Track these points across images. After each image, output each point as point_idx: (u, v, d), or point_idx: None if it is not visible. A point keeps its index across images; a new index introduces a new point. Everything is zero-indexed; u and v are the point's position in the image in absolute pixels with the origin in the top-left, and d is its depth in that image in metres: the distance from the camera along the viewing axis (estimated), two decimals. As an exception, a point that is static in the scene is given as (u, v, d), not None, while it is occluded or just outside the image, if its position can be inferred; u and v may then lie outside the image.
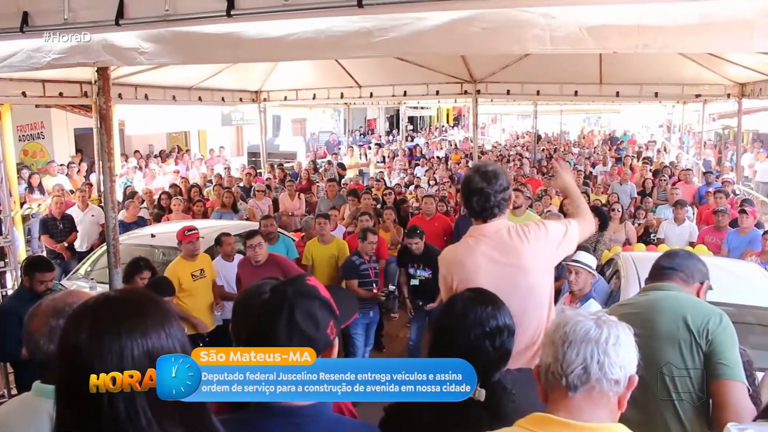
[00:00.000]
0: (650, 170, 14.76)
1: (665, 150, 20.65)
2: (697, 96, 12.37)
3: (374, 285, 6.98)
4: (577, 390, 1.57)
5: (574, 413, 1.58)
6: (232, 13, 3.91)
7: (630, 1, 3.44)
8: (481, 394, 2.02)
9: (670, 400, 2.62)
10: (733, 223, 8.44)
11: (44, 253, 9.38)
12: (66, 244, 9.45)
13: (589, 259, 5.47)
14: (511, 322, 2.20)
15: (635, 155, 21.29)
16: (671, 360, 2.61)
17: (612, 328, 1.61)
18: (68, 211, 9.77)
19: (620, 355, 1.58)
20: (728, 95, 11.79)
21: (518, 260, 3.00)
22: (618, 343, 1.59)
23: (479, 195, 3.02)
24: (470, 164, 15.54)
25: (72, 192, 11.99)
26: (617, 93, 12.13)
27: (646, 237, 9.67)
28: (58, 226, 9.46)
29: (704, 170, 14.34)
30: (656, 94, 12.07)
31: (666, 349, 2.62)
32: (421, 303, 6.91)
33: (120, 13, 4.27)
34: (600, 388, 1.57)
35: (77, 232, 9.63)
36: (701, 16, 3.31)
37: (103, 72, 5.36)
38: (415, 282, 7.02)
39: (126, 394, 1.24)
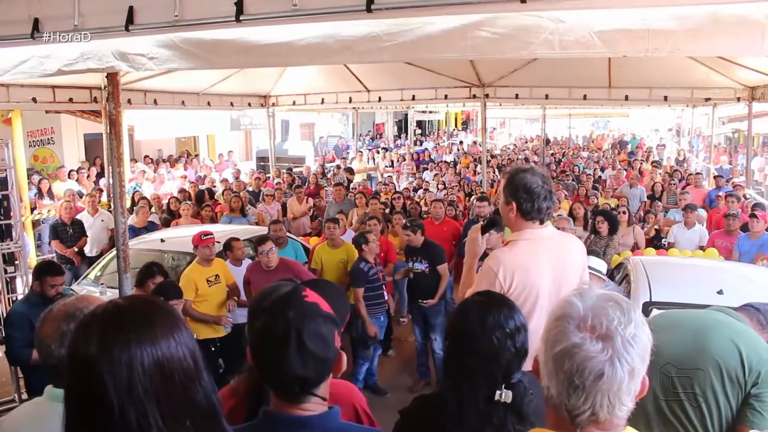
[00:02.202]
0: (660, 174, 14.71)
1: (682, 158, 20.31)
2: (707, 99, 12.32)
3: (383, 287, 6.95)
4: (584, 427, 1.43)
5: None
6: (241, 18, 3.90)
7: (640, 5, 3.42)
8: (508, 396, 2.03)
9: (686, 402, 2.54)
10: (744, 228, 8.40)
11: (54, 258, 9.42)
12: (76, 249, 9.49)
13: (599, 264, 5.45)
14: (525, 321, 2.22)
15: (644, 159, 21.22)
16: (713, 385, 2.45)
17: (627, 356, 1.36)
18: (78, 216, 9.82)
19: (632, 389, 1.40)
20: (738, 99, 11.72)
21: (577, 261, 3.19)
22: (633, 375, 1.38)
23: (543, 195, 3.07)
24: (478, 166, 15.53)
25: (84, 195, 12.07)
26: (626, 97, 12.09)
27: (656, 241, 9.63)
28: (68, 231, 9.50)
29: (716, 175, 14.24)
30: (665, 97, 12.00)
31: (710, 372, 2.46)
32: (419, 300, 6.89)
33: (130, 19, 4.28)
34: (610, 420, 1.43)
35: (87, 237, 9.67)
36: (711, 19, 3.29)
37: (112, 78, 5.38)
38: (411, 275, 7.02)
39: (137, 404, 1.23)
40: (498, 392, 2.03)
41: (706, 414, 2.47)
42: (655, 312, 4.38)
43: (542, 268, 3.05)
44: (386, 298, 6.96)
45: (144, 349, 1.25)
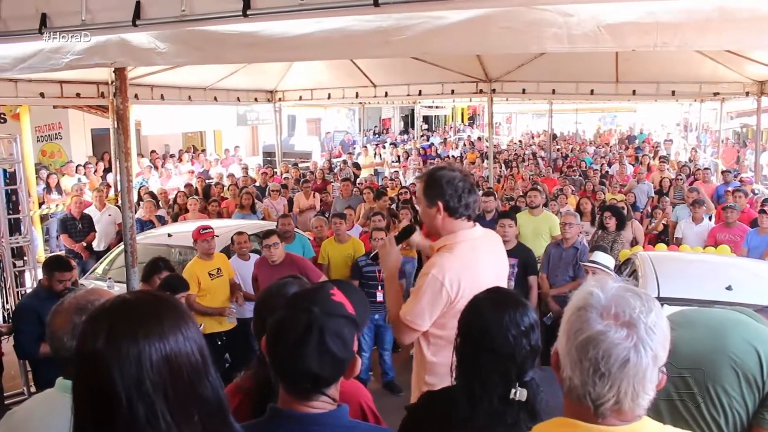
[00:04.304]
0: (669, 169, 14.63)
1: (694, 157, 20.06)
2: (716, 94, 12.25)
3: (379, 287, 6.71)
4: (606, 417, 1.44)
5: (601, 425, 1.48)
6: (248, 13, 3.91)
7: (648, -1, 3.41)
8: (523, 394, 2.02)
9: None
10: (753, 223, 8.35)
11: (63, 253, 9.46)
12: (84, 244, 9.53)
13: (606, 260, 5.45)
14: (537, 319, 2.20)
15: (652, 154, 21.10)
16: (728, 385, 2.41)
17: (651, 342, 1.39)
18: (86, 211, 9.85)
19: (656, 377, 1.42)
20: (747, 93, 11.66)
21: (505, 262, 3.15)
22: (656, 362, 1.41)
23: (467, 189, 2.94)
24: (484, 161, 15.48)
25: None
26: (633, 91, 12.05)
27: (664, 236, 9.61)
28: (77, 226, 9.56)
29: (724, 170, 14.16)
30: (673, 92, 11.96)
31: (725, 371, 2.42)
32: None
33: (137, 14, 4.28)
34: (632, 410, 1.44)
35: (96, 231, 9.71)
36: (720, 13, 3.27)
37: (120, 72, 5.39)
38: None
39: (146, 398, 1.23)
40: (513, 390, 2.02)
41: (720, 414, 2.44)
42: (666, 308, 4.36)
43: (486, 270, 2.91)
44: (378, 299, 6.68)
45: (152, 344, 1.26)
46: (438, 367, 2.88)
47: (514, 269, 6.35)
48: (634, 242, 8.54)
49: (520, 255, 6.47)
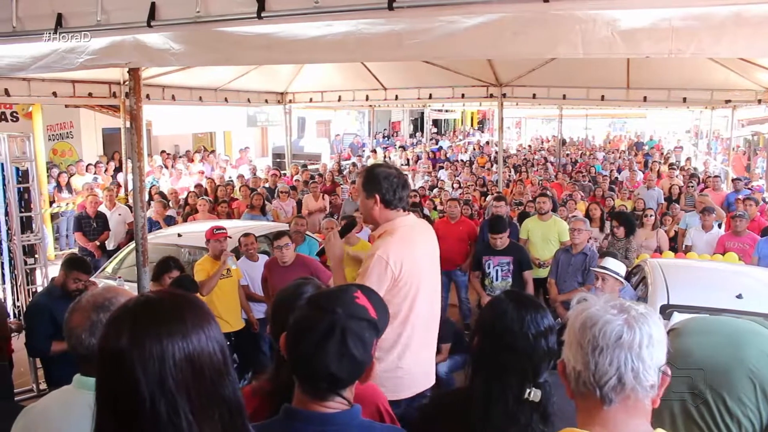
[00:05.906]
0: (678, 176, 14.58)
1: (705, 166, 19.88)
2: (727, 101, 12.17)
3: None
4: (612, 403, 1.49)
5: (609, 427, 1.51)
6: (262, 14, 3.93)
7: (663, 5, 3.39)
8: (537, 395, 2.04)
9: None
10: (764, 232, 8.31)
11: (75, 250, 9.52)
12: (98, 243, 9.58)
13: (617, 266, 5.40)
14: (554, 323, 2.23)
15: (662, 161, 21.02)
16: (744, 395, 2.46)
17: (643, 325, 1.49)
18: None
19: (654, 357, 1.49)
20: (759, 101, 11.58)
21: (436, 246, 3.46)
22: (651, 343, 1.48)
23: (401, 183, 3.28)
24: (494, 166, 15.43)
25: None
26: (644, 98, 11.97)
27: (673, 244, 9.57)
28: (92, 224, 9.62)
29: (734, 178, 14.07)
30: (684, 99, 11.87)
31: (743, 382, 2.37)
32: None
33: (152, 15, 4.31)
34: (635, 396, 1.49)
35: (109, 230, 9.76)
36: (736, 19, 3.26)
37: (134, 73, 5.41)
38: None
39: (168, 397, 1.24)
40: (528, 390, 2.04)
41: (734, 423, 2.44)
42: (676, 315, 4.34)
43: (422, 254, 3.26)
44: None
45: (175, 343, 1.27)
46: (380, 341, 3.11)
47: (510, 266, 6.85)
48: (658, 250, 8.53)
49: (514, 253, 6.94)
